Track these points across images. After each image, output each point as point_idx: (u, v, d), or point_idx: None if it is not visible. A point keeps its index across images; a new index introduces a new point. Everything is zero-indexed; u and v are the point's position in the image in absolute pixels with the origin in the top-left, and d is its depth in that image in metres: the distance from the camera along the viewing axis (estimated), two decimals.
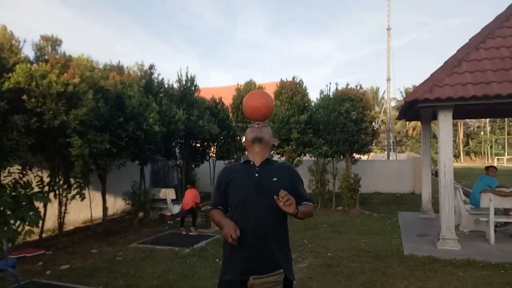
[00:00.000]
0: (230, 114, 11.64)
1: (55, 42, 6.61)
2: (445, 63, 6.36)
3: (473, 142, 50.88)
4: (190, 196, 7.95)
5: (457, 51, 6.55)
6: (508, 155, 43.34)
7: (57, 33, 6.64)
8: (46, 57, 6.29)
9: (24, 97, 5.45)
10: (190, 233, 7.56)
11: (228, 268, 2.11)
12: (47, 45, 6.54)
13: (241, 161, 2.27)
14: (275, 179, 2.11)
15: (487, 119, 45.68)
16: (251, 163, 2.19)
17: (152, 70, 8.92)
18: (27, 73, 5.50)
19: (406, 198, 12.51)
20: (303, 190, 2.24)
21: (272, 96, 10.98)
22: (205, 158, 11.35)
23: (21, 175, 6.05)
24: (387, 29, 24.01)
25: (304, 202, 2.14)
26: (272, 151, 2.38)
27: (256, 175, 2.13)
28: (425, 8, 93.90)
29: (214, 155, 11.73)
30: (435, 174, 11.43)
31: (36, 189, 6.26)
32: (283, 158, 10.64)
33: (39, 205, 6.07)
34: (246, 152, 2.28)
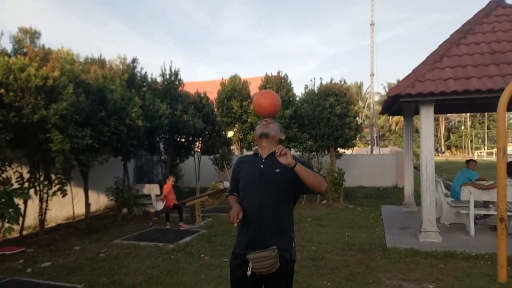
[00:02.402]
0: (215, 109, 11.58)
1: (33, 35, 6.42)
2: (427, 58, 6.45)
3: (454, 136, 51.98)
4: (166, 191, 7.91)
5: (439, 46, 6.64)
6: (487, 149, 44.45)
7: (35, 25, 6.46)
8: (25, 50, 6.11)
9: (2, 91, 5.29)
10: (181, 228, 7.49)
11: (237, 242, 2.44)
12: (26, 38, 6.34)
13: (252, 153, 2.54)
14: (278, 170, 2.32)
15: (468, 114, 46.72)
16: (259, 155, 2.45)
17: (135, 64, 8.78)
18: (4, 66, 5.34)
19: (389, 191, 12.70)
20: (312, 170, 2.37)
21: (257, 90, 11.00)
22: (190, 153, 11.27)
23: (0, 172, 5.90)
24: (370, 25, 24.25)
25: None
26: (257, 146, 2.55)
27: (262, 166, 2.38)
28: (408, 3, 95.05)
29: (199, 150, 11.66)
30: (418, 167, 11.64)
31: (15, 186, 6.13)
32: None
33: (19, 201, 5.95)
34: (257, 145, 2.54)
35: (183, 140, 10.87)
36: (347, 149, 11.44)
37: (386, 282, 4.43)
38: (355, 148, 21.15)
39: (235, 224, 2.24)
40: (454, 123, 54.43)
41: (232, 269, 2.43)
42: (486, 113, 43.16)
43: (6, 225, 5.60)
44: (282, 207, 2.34)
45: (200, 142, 11.51)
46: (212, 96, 12.07)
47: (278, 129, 2.50)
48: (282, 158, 2.10)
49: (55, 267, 5.30)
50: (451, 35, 6.82)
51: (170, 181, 8.19)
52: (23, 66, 5.48)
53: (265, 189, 2.31)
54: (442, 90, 5.70)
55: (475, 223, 6.52)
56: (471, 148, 48.03)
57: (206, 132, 11.02)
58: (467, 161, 7.73)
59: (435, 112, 6.39)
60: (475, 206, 6.50)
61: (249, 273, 2.22)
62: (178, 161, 11.17)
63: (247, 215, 2.31)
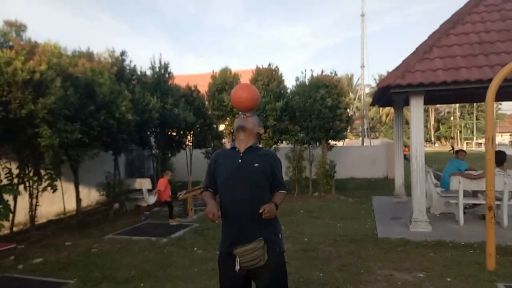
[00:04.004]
0: (206, 102, 11.50)
1: (19, 28, 6.30)
2: (416, 49, 6.47)
3: (444, 127, 52.54)
4: (161, 187, 7.84)
5: (428, 37, 6.66)
6: (476, 139, 45.02)
7: (21, 18, 6.32)
8: (11, 43, 5.99)
9: None
10: (171, 224, 7.46)
11: (221, 242, 2.43)
12: (11, 31, 6.22)
13: (230, 147, 2.53)
14: (256, 164, 2.35)
15: (457, 105, 47.19)
16: (237, 149, 2.45)
17: (123, 57, 8.66)
18: None
19: (380, 183, 12.83)
20: (281, 178, 2.52)
21: (248, 82, 10.95)
22: (181, 147, 11.20)
23: None
24: (361, 15, 24.20)
25: (280, 191, 2.47)
26: None
27: (240, 160, 2.38)
28: None
29: (191, 143, 11.60)
30: (408, 158, 11.76)
31: (4, 182, 6.05)
32: (260, 146, 10.65)
33: (8, 198, 5.88)
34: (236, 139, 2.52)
35: (174, 134, 10.80)
36: (338, 141, 11.49)
37: (377, 271, 4.49)
38: (346, 140, 21.26)
39: (216, 221, 2.26)
40: (444, 114, 55.01)
41: (220, 267, 2.43)
42: (475, 104, 43.69)
43: None
44: (263, 199, 2.33)
45: (191, 135, 11.45)
46: (203, 89, 11.98)
47: (257, 123, 2.52)
48: (270, 216, 2.22)
49: (47, 263, 5.26)
50: (440, 26, 6.84)
51: (168, 176, 8.13)
52: (9, 60, 5.37)
53: (245, 182, 2.32)
54: (432, 81, 5.73)
55: (464, 213, 6.61)
56: (460, 139, 48.62)
57: (198, 126, 10.95)
58: (456, 152, 7.82)
59: (425, 103, 6.43)
60: (464, 196, 6.58)
61: (237, 267, 2.23)
62: (169, 155, 11.11)
63: (230, 210, 2.31)
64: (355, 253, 5.20)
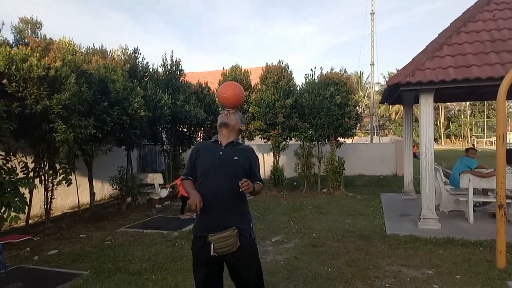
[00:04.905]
0: (217, 99, 11.59)
1: (34, 25, 6.45)
2: (426, 47, 6.46)
3: (454, 125, 51.95)
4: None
5: (439, 35, 6.64)
6: (487, 137, 44.45)
7: (36, 16, 6.46)
8: (26, 40, 6.13)
9: (4, 81, 5.32)
10: (182, 218, 7.53)
11: (195, 227, 2.59)
12: (27, 28, 6.37)
13: (212, 140, 2.67)
14: (235, 158, 2.51)
15: (468, 103, 46.64)
16: (219, 142, 2.60)
17: (136, 54, 8.79)
18: (6, 56, 5.36)
19: (388, 180, 12.81)
20: (258, 172, 2.67)
21: (258, 80, 10.99)
22: (192, 143, 11.32)
23: (4, 161, 5.96)
24: (370, 14, 24.03)
25: (257, 182, 2.56)
26: (259, 136, 2.79)
27: (221, 153, 2.54)
28: None
29: (202, 139, 11.71)
30: (417, 156, 11.71)
31: (20, 175, 6.20)
32: (269, 143, 10.73)
33: (24, 191, 6.03)
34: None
35: (185, 130, 10.93)
36: (347, 138, 11.50)
37: (385, 267, 4.53)
38: (355, 137, 21.21)
39: (198, 211, 2.39)
40: (454, 112, 54.39)
41: (194, 253, 2.58)
42: (486, 102, 43.12)
43: (12, 214, 5.69)
44: (238, 191, 2.43)
45: (202, 132, 11.56)
46: (213, 86, 12.08)
47: (239, 120, 2.67)
48: (247, 190, 2.35)
49: (62, 254, 5.40)
50: (451, 23, 6.82)
51: None
52: (25, 57, 5.50)
53: (223, 173, 2.47)
54: (442, 78, 5.72)
55: (474, 210, 6.61)
56: (470, 137, 48.06)
57: (208, 122, 11.07)
58: (467, 149, 7.79)
59: (435, 101, 6.43)
60: (474, 194, 6.58)
61: (212, 253, 2.39)
62: (180, 150, 11.24)
63: (206, 199, 2.44)
64: (363, 249, 5.25)
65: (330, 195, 9.91)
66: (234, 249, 2.42)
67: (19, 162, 6.36)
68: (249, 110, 10.46)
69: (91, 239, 6.16)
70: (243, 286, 2.56)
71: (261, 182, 2.64)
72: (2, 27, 5.80)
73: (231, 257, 2.47)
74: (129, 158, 8.89)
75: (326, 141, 10.57)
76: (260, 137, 10.72)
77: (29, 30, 6.39)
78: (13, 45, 6.05)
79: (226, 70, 11.82)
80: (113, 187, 8.87)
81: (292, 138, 10.83)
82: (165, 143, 10.76)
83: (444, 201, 7.32)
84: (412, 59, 6.27)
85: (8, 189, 5.64)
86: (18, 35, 6.26)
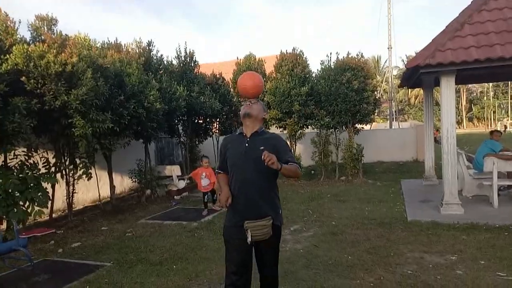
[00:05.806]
0: (231, 89, 11.56)
1: (50, 22, 6.52)
2: (447, 26, 6.24)
3: (476, 107, 50.54)
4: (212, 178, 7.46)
5: (459, 14, 6.40)
6: (511, 119, 43.11)
7: (52, 12, 6.53)
8: (43, 37, 6.21)
9: (23, 78, 5.41)
10: (213, 208, 7.39)
11: (228, 217, 2.71)
12: (43, 25, 6.45)
13: (237, 133, 2.75)
14: (262, 147, 2.49)
15: (490, 84, 45.19)
16: (244, 134, 2.67)
17: (150, 47, 8.82)
18: (24, 54, 5.44)
19: (409, 165, 12.58)
20: (290, 155, 2.66)
21: (272, 69, 10.89)
22: (208, 134, 11.37)
23: (27, 157, 6.11)
24: None
25: (291, 163, 2.57)
26: (275, 125, 2.80)
27: (246, 145, 2.61)
28: None
29: (217, 131, 11.73)
30: (438, 141, 11.45)
31: (43, 170, 6.35)
32: (285, 132, 10.66)
33: (46, 185, 6.17)
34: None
35: (200, 121, 10.96)
36: (366, 125, 11.31)
37: (407, 254, 4.46)
38: (374, 124, 20.88)
39: (225, 208, 2.60)
40: (476, 94, 52.85)
41: (227, 240, 2.68)
42: (510, 83, 41.69)
43: (36, 208, 5.84)
44: (268, 180, 2.60)
45: (217, 123, 11.58)
46: (228, 76, 12.04)
47: (262, 109, 2.71)
48: (272, 165, 2.30)
49: (85, 247, 5.53)
50: (472, 2, 6.56)
51: (206, 163, 7.72)
52: (42, 53, 5.58)
53: (252, 165, 2.53)
54: (464, 59, 5.52)
55: (498, 195, 6.42)
56: (493, 120, 46.68)
57: (223, 113, 11.06)
58: (491, 132, 7.55)
59: (456, 83, 6.21)
60: (498, 177, 6.38)
61: (249, 240, 2.47)
62: (197, 142, 11.29)
63: (238, 191, 2.57)
64: (384, 236, 5.18)
65: (348, 183, 9.80)
66: (268, 237, 2.52)
67: (40, 158, 6.52)
68: (265, 99, 10.39)
69: (113, 231, 6.28)
70: (263, 265, 2.69)
71: (296, 163, 2.63)
72: (19, 25, 5.90)
73: (264, 243, 2.58)
74: (147, 151, 8.99)
75: (344, 128, 10.43)
76: (276, 126, 10.63)
77: (45, 27, 6.47)
78: (30, 42, 6.14)
79: (240, 59, 11.75)
80: (132, 180, 9.01)
81: (309, 126, 10.73)
82: (182, 135, 10.83)
83: (467, 186, 7.14)
84: (432, 40, 6.08)
85: (31, 184, 5.78)
86: (35, 32, 6.35)
